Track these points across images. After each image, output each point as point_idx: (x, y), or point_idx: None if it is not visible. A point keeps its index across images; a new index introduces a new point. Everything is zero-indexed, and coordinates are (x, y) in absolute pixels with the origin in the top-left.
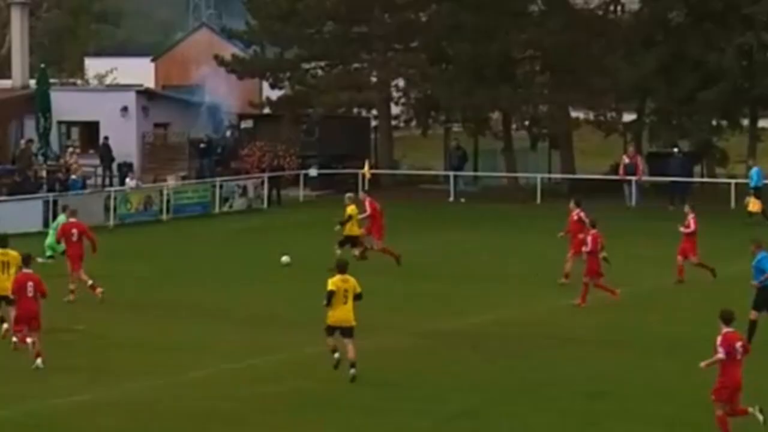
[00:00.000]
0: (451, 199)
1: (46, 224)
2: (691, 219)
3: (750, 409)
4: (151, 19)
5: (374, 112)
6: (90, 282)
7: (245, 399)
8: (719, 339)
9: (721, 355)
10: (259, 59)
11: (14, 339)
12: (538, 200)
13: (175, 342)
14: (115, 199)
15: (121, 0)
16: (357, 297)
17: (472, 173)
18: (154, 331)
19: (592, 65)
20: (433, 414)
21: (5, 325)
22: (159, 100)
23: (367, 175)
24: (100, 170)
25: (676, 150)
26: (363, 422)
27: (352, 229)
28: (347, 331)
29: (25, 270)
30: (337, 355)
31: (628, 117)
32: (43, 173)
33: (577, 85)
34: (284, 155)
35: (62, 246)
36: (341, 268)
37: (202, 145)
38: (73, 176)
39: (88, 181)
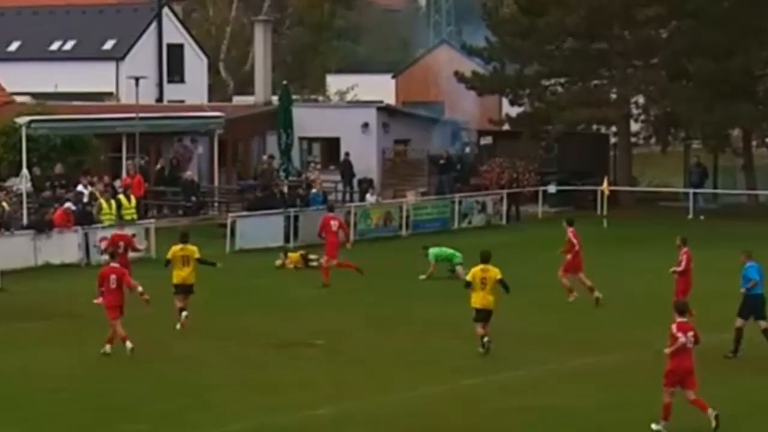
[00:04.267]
0: (690, 216)
1: (287, 239)
2: None
3: (709, 411)
4: (391, 36)
5: (613, 128)
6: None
7: (484, 414)
8: (674, 327)
9: (683, 339)
10: (498, 76)
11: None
12: None
13: (410, 356)
14: (355, 214)
15: (361, 17)
16: (501, 284)
17: (711, 190)
18: (389, 345)
19: None
20: None
21: (185, 313)
22: (399, 116)
23: (606, 192)
24: (340, 186)
25: None
26: None
27: None
28: (485, 314)
29: (113, 264)
30: (482, 349)
31: None
32: (285, 189)
33: None
34: (523, 172)
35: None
36: (484, 258)
37: (441, 162)
38: (314, 190)
39: (329, 197)
